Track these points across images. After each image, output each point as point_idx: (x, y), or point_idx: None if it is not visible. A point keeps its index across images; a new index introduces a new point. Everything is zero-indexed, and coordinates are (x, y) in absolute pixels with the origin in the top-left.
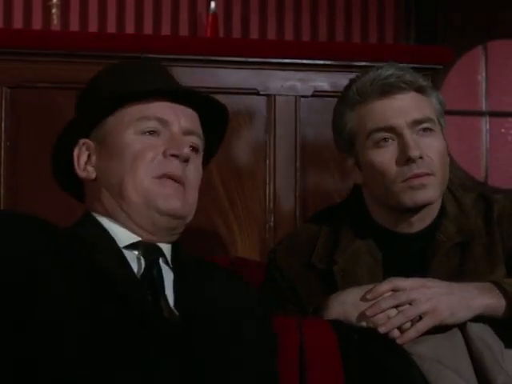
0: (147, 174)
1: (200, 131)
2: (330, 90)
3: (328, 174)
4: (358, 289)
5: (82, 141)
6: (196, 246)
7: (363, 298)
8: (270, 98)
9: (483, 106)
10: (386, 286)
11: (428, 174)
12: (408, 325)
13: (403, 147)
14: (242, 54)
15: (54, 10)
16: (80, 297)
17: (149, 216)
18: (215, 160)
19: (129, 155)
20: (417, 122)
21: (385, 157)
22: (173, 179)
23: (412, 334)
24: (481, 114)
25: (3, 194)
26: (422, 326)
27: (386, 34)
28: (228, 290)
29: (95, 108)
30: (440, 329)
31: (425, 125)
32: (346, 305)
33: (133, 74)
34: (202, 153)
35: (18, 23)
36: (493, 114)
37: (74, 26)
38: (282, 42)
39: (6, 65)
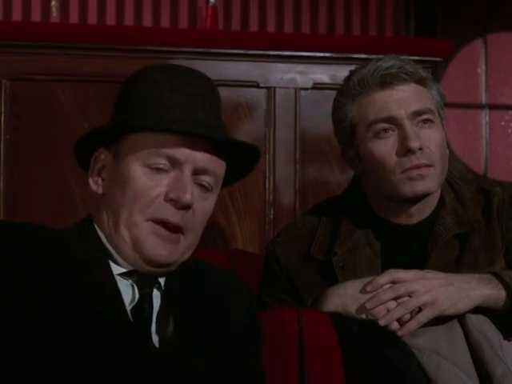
0: (143, 215)
1: (217, 169)
2: (329, 82)
3: (328, 167)
4: (357, 281)
5: (101, 149)
6: None
7: (362, 290)
8: (270, 90)
9: (483, 98)
10: (385, 277)
11: (427, 166)
12: (407, 316)
13: (403, 138)
14: (241, 47)
15: (53, 3)
16: (65, 331)
17: (135, 258)
18: None
19: (131, 188)
20: (417, 114)
21: (385, 147)
22: (170, 227)
23: (412, 325)
24: (480, 106)
25: (3, 187)
26: (423, 317)
27: (386, 27)
28: (218, 313)
29: (116, 123)
30: (439, 320)
31: (425, 116)
32: (346, 297)
33: (164, 98)
34: (217, 189)
35: (17, 15)
36: (492, 107)
37: (74, 18)
38: (281, 34)
39: (5, 57)
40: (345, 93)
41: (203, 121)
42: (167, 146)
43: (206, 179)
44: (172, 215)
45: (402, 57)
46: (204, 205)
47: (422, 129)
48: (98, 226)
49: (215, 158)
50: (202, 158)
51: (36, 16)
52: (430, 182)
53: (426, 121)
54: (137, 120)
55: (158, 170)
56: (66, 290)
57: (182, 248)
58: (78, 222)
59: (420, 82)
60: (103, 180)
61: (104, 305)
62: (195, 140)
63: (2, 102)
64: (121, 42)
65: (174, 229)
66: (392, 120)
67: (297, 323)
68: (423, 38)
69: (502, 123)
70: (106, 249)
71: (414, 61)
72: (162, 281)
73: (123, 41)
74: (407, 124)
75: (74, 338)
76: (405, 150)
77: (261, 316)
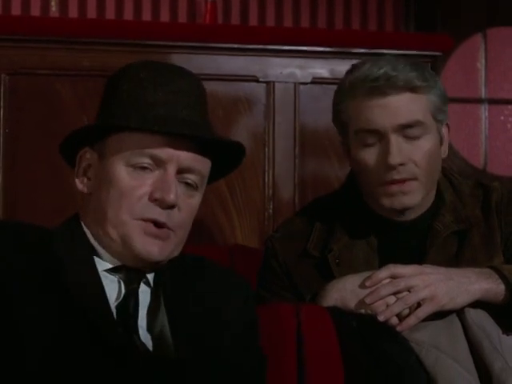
0: (130, 214)
1: (202, 167)
2: (329, 76)
3: (327, 161)
4: (356, 276)
5: (86, 148)
6: (195, 234)
7: (362, 285)
8: (269, 85)
9: (482, 93)
10: (384, 272)
11: (410, 179)
12: (406, 311)
13: (385, 152)
14: (241, 41)
15: None
16: (47, 328)
17: (125, 255)
18: None
19: (116, 189)
20: (404, 127)
21: (369, 157)
22: (157, 224)
23: (411, 321)
24: (480, 101)
25: (2, 181)
26: (422, 312)
27: (386, 22)
28: (210, 308)
29: (100, 123)
30: (438, 314)
31: (412, 129)
32: (345, 291)
33: (149, 96)
34: (203, 187)
35: (16, 10)
36: (492, 102)
37: (73, 12)
38: (281, 28)
39: (4, 52)
40: (340, 90)
41: (188, 119)
42: (151, 145)
43: (190, 177)
44: (159, 215)
45: (400, 61)
46: (189, 203)
47: (409, 140)
48: (85, 225)
49: (199, 157)
50: (186, 156)
51: (35, 10)
52: (413, 197)
53: (412, 133)
54: (121, 119)
55: (142, 168)
56: (49, 288)
57: (172, 244)
58: (65, 220)
59: (413, 90)
60: (89, 179)
61: (87, 302)
62: (179, 139)
63: (2, 96)
64: (120, 37)
65: (162, 226)
66: (377, 132)
67: (295, 318)
68: (423, 33)
69: (502, 118)
70: (92, 246)
71: (414, 55)
72: (150, 276)
73: (123, 35)
74: (392, 138)
75: (57, 335)
76: (385, 165)
77: (259, 311)
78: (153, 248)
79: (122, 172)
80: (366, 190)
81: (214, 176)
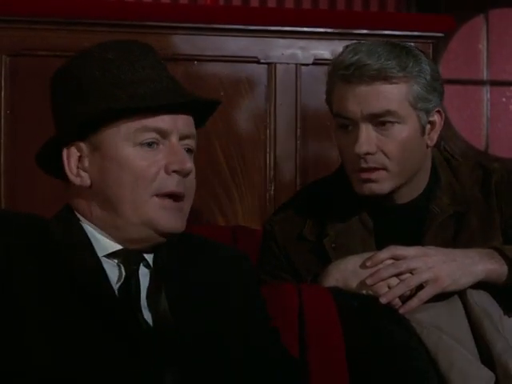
0: (149, 193)
1: (194, 130)
2: (330, 58)
3: (328, 143)
4: (358, 256)
5: (69, 145)
6: (197, 215)
7: (363, 266)
8: (271, 66)
9: (484, 75)
10: (385, 253)
11: (377, 169)
12: (407, 293)
13: (354, 141)
14: (242, 22)
15: None
16: (51, 312)
17: (145, 234)
18: (216, 129)
19: (129, 172)
20: (374, 116)
21: (345, 141)
22: (174, 197)
23: (414, 303)
24: (482, 83)
25: (3, 162)
26: (425, 294)
27: (387, 2)
28: (211, 283)
29: (88, 116)
30: (440, 295)
31: (383, 118)
32: (346, 272)
33: (127, 73)
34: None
35: None
36: (494, 83)
37: None
38: (282, 9)
39: (5, 32)
40: (328, 73)
41: (173, 88)
42: (153, 120)
43: (189, 143)
44: (176, 186)
45: (382, 45)
46: (192, 165)
47: (380, 130)
48: (82, 215)
49: (191, 121)
50: (183, 123)
51: None
52: (381, 185)
53: (384, 122)
54: (117, 103)
55: (149, 145)
56: (51, 272)
57: (185, 214)
58: (57, 213)
59: (387, 79)
60: (85, 171)
61: (90, 284)
62: (174, 109)
63: (3, 77)
64: (121, 18)
65: (178, 198)
66: (350, 119)
67: (297, 297)
68: (425, 14)
69: (504, 99)
70: (90, 233)
71: (415, 36)
72: (149, 258)
73: (124, 16)
74: (362, 126)
75: (58, 314)
76: (354, 153)
77: (261, 291)
78: (176, 222)
79: (130, 153)
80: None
81: None
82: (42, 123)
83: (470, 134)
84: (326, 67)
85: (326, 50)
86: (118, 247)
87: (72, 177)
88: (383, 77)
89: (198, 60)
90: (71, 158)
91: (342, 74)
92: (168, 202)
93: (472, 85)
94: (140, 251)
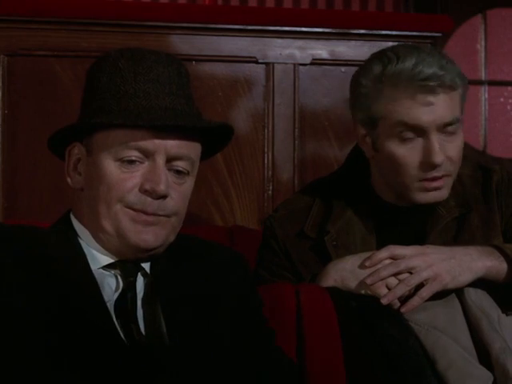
0: (120, 204)
1: (191, 152)
2: (328, 57)
3: (327, 142)
4: (356, 256)
5: (74, 143)
6: (195, 215)
7: (361, 266)
8: (269, 66)
9: (482, 74)
10: (384, 253)
11: (445, 176)
12: (407, 292)
13: (428, 150)
14: (240, 22)
15: None
16: (40, 327)
17: (121, 246)
18: None
19: (105, 184)
20: (446, 125)
21: (408, 153)
22: (144, 212)
23: (416, 301)
24: (480, 82)
25: (2, 162)
26: (426, 292)
27: (386, 2)
28: (208, 287)
29: (80, 123)
30: (438, 294)
31: (453, 126)
32: (345, 272)
33: (128, 85)
34: (195, 171)
35: None
36: (492, 83)
37: None
38: (280, 9)
39: (3, 32)
40: (371, 76)
41: (171, 106)
42: (136, 138)
43: (180, 164)
44: (148, 206)
45: (442, 58)
46: (181, 190)
47: (447, 137)
48: (79, 221)
49: (187, 143)
50: (173, 145)
51: None
52: (445, 192)
53: (451, 130)
54: (103, 116)
55: (130, 162)
56: (42, 288)
57: (166, 229)
58: (56, 222)
59: (454, 88)
60: (79, 174)
61: (82, 301)
62: (164, 128)
63: (1, 77)
64: (119, 18)
65: (152, 214)
66: (419, 128)
67: (295, 298)
68: (423, 14)
69: (501, 99)
70: (86, 244)
71: (414, 36)
72: (147, 266)
73: (122, 16)
74: (434, 136)
75: (51, 329)
76: (427, 163)
77: (259, 291)
78: (147, 235)
79: (110, 166)
80: (391, 182)
81: (208, 153)
82: (41, 123)
83: (468, 133)
84: (324, 67)
85: (324, 49)
86: (113, 259)
87: (67, 177)
88: (451, 86)
89: (196, 60)
90: (72, 158)
91: (419, 85)
92: (140, 215)
93: (470, 84)
94: (137, 260)
